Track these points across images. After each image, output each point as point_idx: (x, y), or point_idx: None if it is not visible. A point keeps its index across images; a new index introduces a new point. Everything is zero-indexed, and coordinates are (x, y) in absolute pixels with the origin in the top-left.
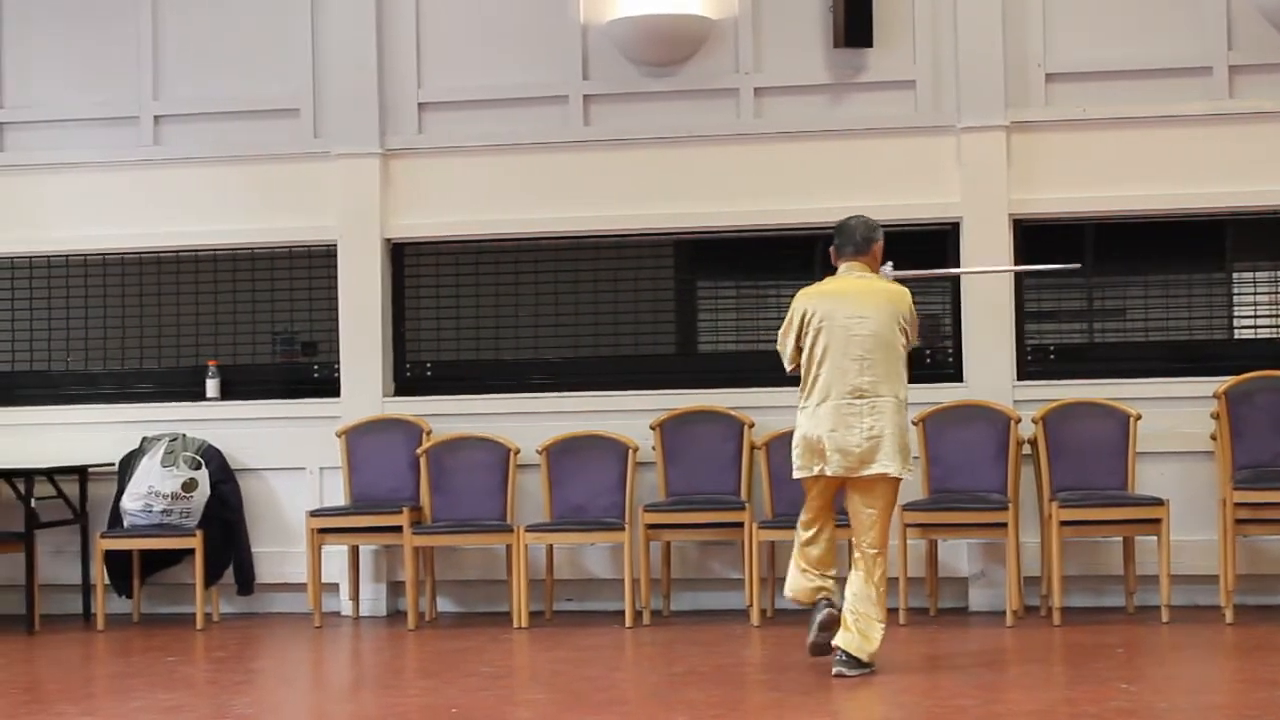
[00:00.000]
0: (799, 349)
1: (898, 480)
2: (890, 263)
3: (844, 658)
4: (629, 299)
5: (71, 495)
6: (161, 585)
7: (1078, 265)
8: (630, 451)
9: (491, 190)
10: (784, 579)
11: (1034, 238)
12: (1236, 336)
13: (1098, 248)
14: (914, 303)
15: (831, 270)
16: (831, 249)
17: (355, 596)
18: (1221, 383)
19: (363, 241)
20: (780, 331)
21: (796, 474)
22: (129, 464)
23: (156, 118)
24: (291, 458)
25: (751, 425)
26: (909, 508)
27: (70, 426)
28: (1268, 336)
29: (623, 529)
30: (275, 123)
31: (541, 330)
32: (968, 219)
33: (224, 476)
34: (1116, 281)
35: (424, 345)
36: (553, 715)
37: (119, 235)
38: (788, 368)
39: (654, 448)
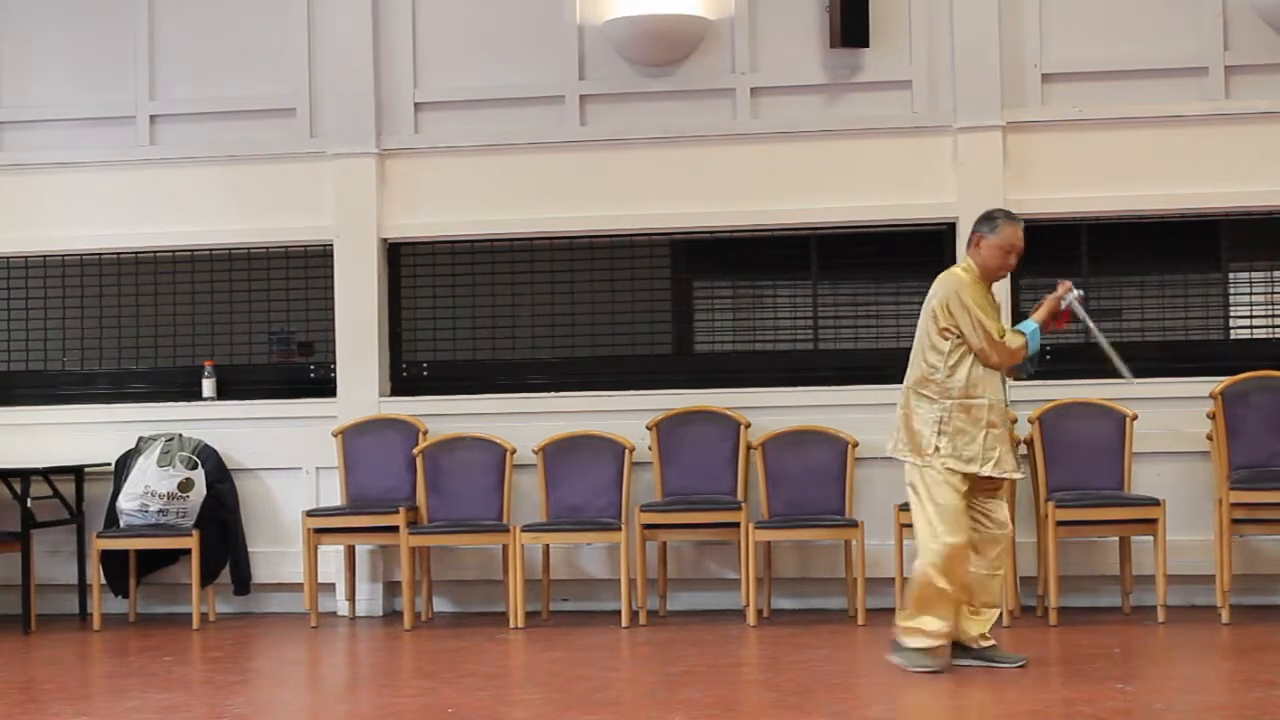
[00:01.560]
0: None
1: (913, 468)
2: (1080, 291)
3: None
4: (625, 299)
5: (68, 495)
6: (158, 585)
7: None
8: (627, 451)
9: (488, 190)
10: (780, 579)
11: (1030, 238)
12: (1232, 337)
13: (1094, 248)
14: (912, 301)
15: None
16: None
17: (351, 596)
18: (1217, 383)
19: (359, 241)
20: None
21: None
22: (125, 464)
23: (152, 117)
24: (288, 458)
25: (748, 425)
26: (905, 508)
27: (66, 426)
28: (1264, 337)
29: (619, 529)
30: (271, 122)
31: (538, 330)
32: (964, 219)
33: (220, 476)
34: (1112, 282)
35: (420, 345)
36: (549, 715)
37: (115, 235)
38: None
39: (650, 448)
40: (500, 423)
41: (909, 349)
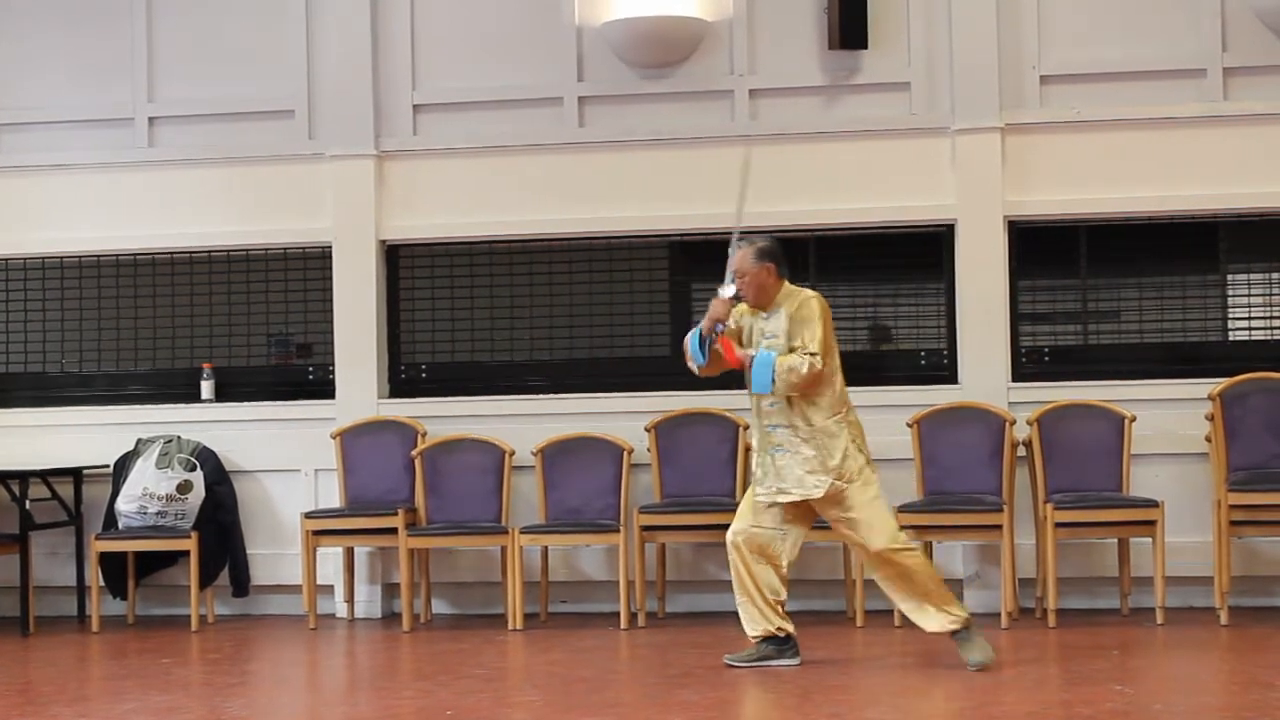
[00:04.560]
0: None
1: None
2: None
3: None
4: (624, 300)
5: (66, 497)
6: (156, 587)
7: None
8: (625, 453)
9: (486, 192)
10: None
11: (1028, 239)
12: (1231, 338)
13: (1092, 249)
14: (910, 303)
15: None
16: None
17: (350, 598)
18: (1216, 384)
19: (357, 243)
20: (819, 334)
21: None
22: (124, 466)
23: (151, 119)
24: (286, 460)
25: (746, 427)
26: (904, 510)
27: (65, 428)
28: (1262, 338)
29: (618, 531)
30: (270, 124)
31: (536, 332)
32: (963, 221)
33: (219, 478)
34: (1111, 283)
35: (419, 347)
36: (548, 717)
37: (113, 237)
38: (818, 368)
39: (649, 449)
40: (499, 424)
41: (905, 349)
